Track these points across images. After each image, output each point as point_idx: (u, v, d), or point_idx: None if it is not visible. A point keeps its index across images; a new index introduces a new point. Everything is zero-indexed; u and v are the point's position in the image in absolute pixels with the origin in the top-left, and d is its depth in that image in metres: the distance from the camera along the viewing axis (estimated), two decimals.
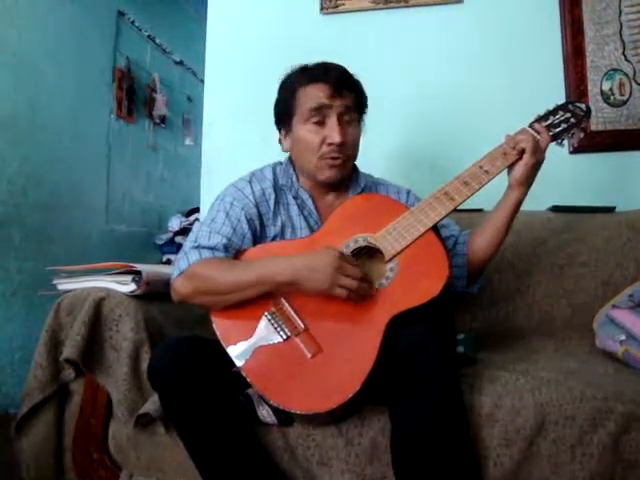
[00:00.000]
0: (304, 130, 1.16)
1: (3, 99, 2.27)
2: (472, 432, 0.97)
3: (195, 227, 1.16)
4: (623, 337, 1.17)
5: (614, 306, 1.26)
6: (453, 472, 0.90)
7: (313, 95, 1.15)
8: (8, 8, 2.30)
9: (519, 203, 1.13)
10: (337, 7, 1.84)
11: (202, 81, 2.08)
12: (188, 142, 3.83)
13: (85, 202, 2.82)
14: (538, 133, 1.14)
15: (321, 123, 1.15)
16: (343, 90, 1.15)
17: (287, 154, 1.26)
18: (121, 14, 3.09)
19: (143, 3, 3.27)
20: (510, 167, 1.12)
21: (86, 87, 2.82)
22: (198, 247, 1.09)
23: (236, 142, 1.86)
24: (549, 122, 1.16)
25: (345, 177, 1.21)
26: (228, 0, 1.93)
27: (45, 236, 2.50)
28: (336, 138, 1.13)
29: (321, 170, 1.17)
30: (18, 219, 2.34)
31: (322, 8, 1.84)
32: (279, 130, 1.25)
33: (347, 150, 1.17)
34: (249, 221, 1.15)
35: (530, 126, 1.16)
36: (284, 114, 1.20)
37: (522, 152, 1.10)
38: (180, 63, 3.75)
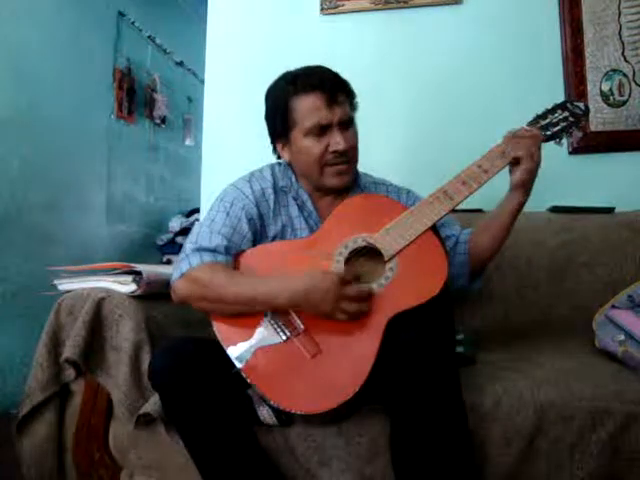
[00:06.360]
0: (306, 141, 1.14)
1: (3, 99, 2.27)
2: (472, 431, 0.97)
3: (195, 227, 1.16)
4: (622, 337, 1.17)
5: (614, 306, 1.27)
6: (453, 471, 0.91)
7: (311, 107, 1.12)
8: (9, 8, 2.30)
9: (522, 204, 1.13)
10: (337, 7, 1.84)
11: (202, 81, 2.09)
12: (188, 142, 3.84)
13: (85, 203, 2.82)
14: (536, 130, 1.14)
15: (323, 132, 1.13)
16: (338, 95, 1.14)
17: None
18: (121, 15, 3.09)
19: (143, 4, 3.27)
20: (510, 167, 1.12)
21: (86, 87, 2.82)
22: (199, 249, 1.09)
23: (236, 142, 1.86)
24: (547, 121, 1.16)
25: (351, 181, 1.21)
26: (228, 0, 1.93)
27: (45, 236, 2.50)
28: (341, 145, 1.12)
29: (327, 178, 1.16)
30: (18, 219, 2.34)
31: (322, 8, 1.85)
32: (274, 142, 1.22)
33: (351, 154, 1.16)
34: (249, 221, 1.15)
35: (528, 125, 1.16)
36: (280, 127, 1.17)
37: (518, 159, 1.09)
38: (180, 64, 3.75)
